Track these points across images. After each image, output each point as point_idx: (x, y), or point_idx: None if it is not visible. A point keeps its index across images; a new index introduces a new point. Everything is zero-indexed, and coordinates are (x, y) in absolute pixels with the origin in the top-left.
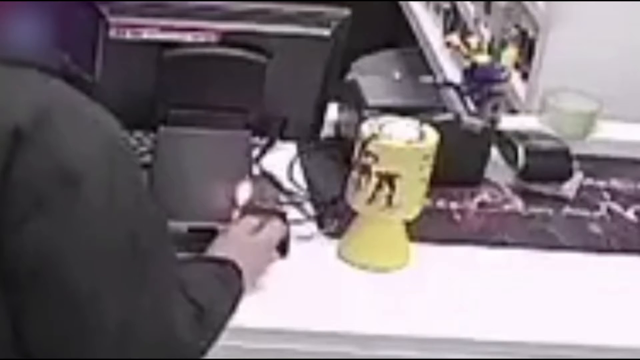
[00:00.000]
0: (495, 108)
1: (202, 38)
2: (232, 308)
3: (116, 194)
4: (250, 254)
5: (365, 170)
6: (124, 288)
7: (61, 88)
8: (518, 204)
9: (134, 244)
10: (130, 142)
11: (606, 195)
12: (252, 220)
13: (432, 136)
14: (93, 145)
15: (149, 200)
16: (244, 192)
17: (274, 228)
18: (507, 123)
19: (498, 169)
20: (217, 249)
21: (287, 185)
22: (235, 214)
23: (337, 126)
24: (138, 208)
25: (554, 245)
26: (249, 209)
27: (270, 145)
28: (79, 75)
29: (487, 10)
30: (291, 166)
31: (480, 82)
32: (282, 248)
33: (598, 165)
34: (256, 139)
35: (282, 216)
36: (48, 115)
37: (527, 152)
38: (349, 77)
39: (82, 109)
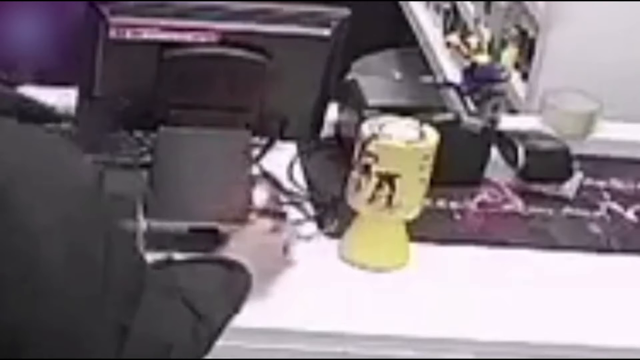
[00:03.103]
0: (495, 108)
1: (202, 38)
2: (234, 312)
3: (79, 250)
4: (265, 256)
5: (365, 170)
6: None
7: (25, 147)
8: (518, 204)
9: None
10: (104, 186)
11: (606, 195)
12: (267, 223)
13: (432, 136)
14: (54, 209)
15: (123, 248)
16: (261, 193)
17: (287, 230)
18: (507, 123)
19: (498, 169)
20: (230, 251)
21: (287, 185)
22: (252, 215)
23: (337, 126)
24: (107, 259)
25: (554, 245)
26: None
27: (270, 145)
28: (35, 103)
29: (487, 10)
30: (291, 166)
31: (480, 82)
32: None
33: (598, 165)
34: (256, 139)
35: (282, 216)
36: (7, 190)
37: (527, 152)
38: (349, 77)
39: (46, 171)
